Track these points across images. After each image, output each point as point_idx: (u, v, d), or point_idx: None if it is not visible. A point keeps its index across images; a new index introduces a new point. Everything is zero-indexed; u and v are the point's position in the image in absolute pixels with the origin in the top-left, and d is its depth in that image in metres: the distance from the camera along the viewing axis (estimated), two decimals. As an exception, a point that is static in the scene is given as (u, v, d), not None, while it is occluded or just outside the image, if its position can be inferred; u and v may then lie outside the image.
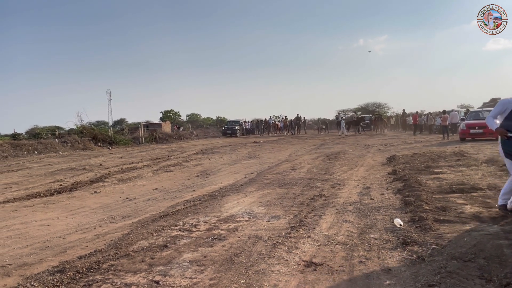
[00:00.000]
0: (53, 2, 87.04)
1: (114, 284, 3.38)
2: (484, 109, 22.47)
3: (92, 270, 3.71)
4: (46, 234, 5.18)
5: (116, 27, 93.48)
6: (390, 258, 3.72)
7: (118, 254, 4.14)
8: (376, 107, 58.24)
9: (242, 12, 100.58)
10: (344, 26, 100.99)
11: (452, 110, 31.55)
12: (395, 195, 6.53)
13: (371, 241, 4.22)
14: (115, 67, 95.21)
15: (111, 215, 6.20)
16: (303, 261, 3.74)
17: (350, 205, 5.98)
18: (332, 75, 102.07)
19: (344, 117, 36.04)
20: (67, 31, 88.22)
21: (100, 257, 4.04)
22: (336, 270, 3.47)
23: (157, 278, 3.47)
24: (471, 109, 26.29)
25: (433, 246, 3.90)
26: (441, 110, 23.02)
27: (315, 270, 3.51)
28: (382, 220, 5.05)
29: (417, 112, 29.53)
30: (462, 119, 19.29)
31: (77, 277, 3.56)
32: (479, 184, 6.69)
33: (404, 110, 35.41)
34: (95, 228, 5.42)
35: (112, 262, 3.90)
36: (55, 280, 3.48)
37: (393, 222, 4.84)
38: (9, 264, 4.01)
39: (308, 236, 4.50)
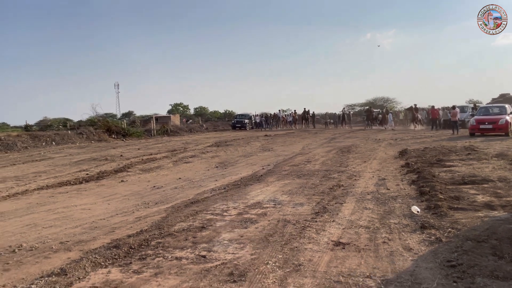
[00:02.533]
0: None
1: (165, 258, 3.82)
2: (493, 104, 22.67)
3: (143, 246, 4.16)
4: (90, 216, 5.65)
5: (123, 21, 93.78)
6: (410, 239, 4.13)
7: (162, 233, 4.59)
8: (384, 101, 58.25)
9: (249, 6, 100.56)
10: (351, 20, 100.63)
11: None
12: (410, 186, 6.92)
13: (392, 225, 4.63)
14: (122, 60, 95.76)
15: (144, 201, 6.66)
16: (332, 241, 4.16)
17: (368, 194, 6.39)
18: (340, 69, 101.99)
19: (391, 110, 35.73)
20: (72, 24, 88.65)
21: (147, 236, 4.49)
22: (363, 249, 3.89)
23: (203, 253, 3.91)
24: (480, 105, 26.38)
25: (449, 229, 4.30)
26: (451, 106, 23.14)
27: (344, 248, 3.93)
28: (400, 207, 5.45)
29: (433, 106, 27.44)
30: (472, 115, 19.52)
31: (131, 252, 4.01)
32: (490, 176, 7.05)
33: (415, 105, 32.80)
34: (133, 212, 5.88)
35: (159, 240, 4.35)
36: (113, 254, 3.94)
37: (410, 209, 5.24)
38: (67, 241, 4.47)
39: (333, 221, 4.91)
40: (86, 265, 3.64)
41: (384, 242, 4.07)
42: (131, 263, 3.72)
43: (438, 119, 25.89)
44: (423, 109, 33.21)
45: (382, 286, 3.02)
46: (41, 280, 3.33)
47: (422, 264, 3.43)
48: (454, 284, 3.00)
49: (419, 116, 29.88)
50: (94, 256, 3.89)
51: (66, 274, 3.43)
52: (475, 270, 3.19)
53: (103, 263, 3.72)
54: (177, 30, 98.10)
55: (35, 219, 5.53)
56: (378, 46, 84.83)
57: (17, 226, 5.20)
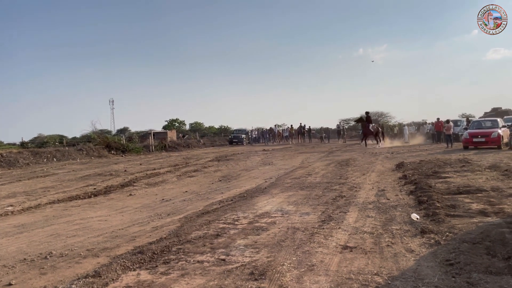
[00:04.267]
0: (52, 7, 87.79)
1: (188, 261, 4.16)
2: (486, 118, 23.31)
3: (165, 252, 4.50)
4: (109, 227, 5.97)
5: (115, 36, 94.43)
6: (412, 242, 4.50)
7: (181, 240, 4.93)
8: (378, 116, 59.07)
9: (242, 22, 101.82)
10: (343, 36, 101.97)
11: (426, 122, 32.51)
12: (408, 196, 7.31)
13: (394, 231, 5.00)
14: (116, 76, 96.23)
15: (156, 213, 6.98)
16: (339, 245, 4.52)
17: (369, 204, 6.76)
18: (333, 84, 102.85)
19: (406, 124, 36.14)
20: (65, 38, 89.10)
21: (167, 243, 4.82)
22: (369, 251, 4.25)
23: (222, 257, 4.25)
24: (472, 119, 27.03)
25: (447, 233, 4.68)
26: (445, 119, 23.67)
27: (351, 251, 4.29)
28: (400, 215, 5.83)
29: (438, 119, 25.50)
30: (465, 128, 20.08)
31: (155, 257, 4.34)
32: (484, 186, 7.47)
33: (367, 112, 25.05)
34: (148, 222, 6.21)
35: (179, 246, 4.68)
36: (139, 258, 4.27)
37: (410, 217, 5.62)
38: (93, 248, 4.79)
39: (339, 228, 5.27)
40: (117, 268, 3.97)
41: (387, 245, 4.44)
42: (157, 266, 4.05)
43: (443, 132, 25.31)
44: (423, 123, 33.82)
45: (389, 281, 3.38)
46: (79, 281, 3.66)
47: (424, 263, 3.79)
48: (453, 278, 3.37)
49: (375, 128, 24.70)
50: (122, 260, 4.21)
51: (101, 276, 3.76)
52: (471, 267, 3.56)
53: (131, 267, 4.05)
54: (170, 45, 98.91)
55: (57, 230, 5.84)
56: (372, 61, 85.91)
57: (42, 236, 5.52)
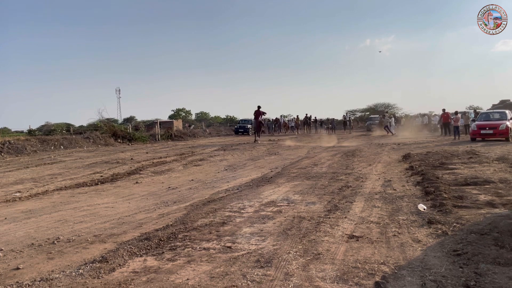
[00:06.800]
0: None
1: (194, 248, 4.17)
2: (494, 110, 23.06)
3: (171, 239, 4.51)
4: (115, 213, 6.00)
5: (122, 27, 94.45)
6: (418, 233, 4.47)
7: (187, 228, 4.94)
8: (385, 107, 58.86)
9: (249, 12, 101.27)
10: (350, 27, 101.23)
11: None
12: (415, 186, 7.26)
13: (400, 221, 4.98)
14: (122, 65, 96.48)
15: (162, 200, 7.00)
16: (346, 234, 4.51)
17: (375, 194, 6.73)
18: (340, 75, 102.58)
19: (387, 115, 35.96)
20: (74, 30, 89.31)
21: (174, 230, 4.84)
22: (375, 241, 4.24)
23: (228, 244, 4.26)
24: (480, 111, 26.72)
25: (454, 224, 4.65)
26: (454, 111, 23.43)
27: (357, 240, 4.28)
28: (407, 206, 5.80)
29: (444, 110, 24.82)
30: (473, 120, 19.90)
31: (162, 243, 4.36)
32: (491, 178, 7.41)
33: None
34: (155, 210, 6.23)
35: (185, 234, 4.70)
36: (145, 245, 4.29)
37: (417, 208, 5.59)
38: (100, 234, 4.82)
39: (345, 217, 5.26)
40: (124, 254, 4.00)
41: (394, 235, 4.42)
42: (163, 252, 4.07)
43: (450, 124, 24.56)
44: (430, 115, 33.54)
45: (396, 271, 3.37)
46: (86, 266, 3.68)
47: (431, 253, 3.77)
48: (460, 269, 3.35)
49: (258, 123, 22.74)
50: (128, 246, 4.24)
51: (107, 261, 3.78)
52: (479, 258, 3.53)
53: (138, 253, 4.07)
54: (179, 35, 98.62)
55: (64, 216, 5.88)
56: (380, 52, 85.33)
57: (49, 221, 5.56)
